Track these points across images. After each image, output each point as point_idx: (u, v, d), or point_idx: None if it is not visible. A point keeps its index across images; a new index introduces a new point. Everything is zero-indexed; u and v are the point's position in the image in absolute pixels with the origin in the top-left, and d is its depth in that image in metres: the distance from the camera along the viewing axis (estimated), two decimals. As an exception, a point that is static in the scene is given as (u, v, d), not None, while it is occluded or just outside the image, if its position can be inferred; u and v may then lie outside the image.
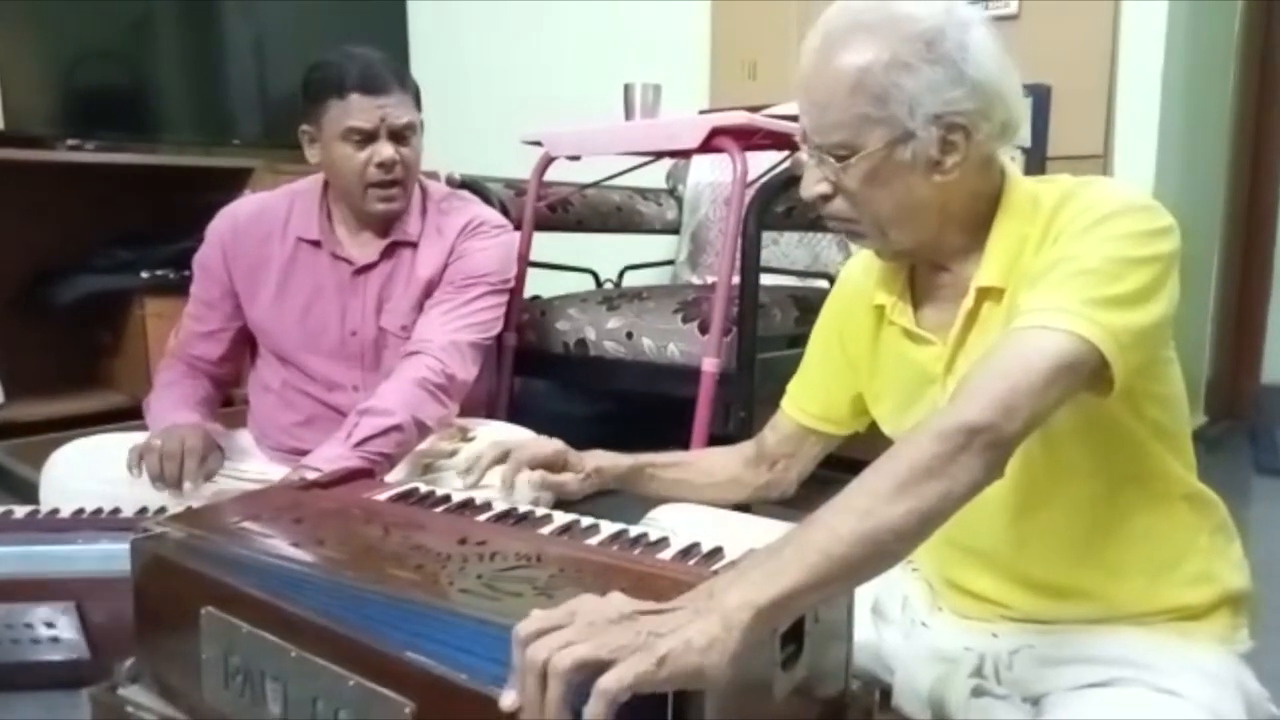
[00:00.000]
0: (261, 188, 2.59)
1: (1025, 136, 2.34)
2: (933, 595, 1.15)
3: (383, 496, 1.17)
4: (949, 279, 1.04)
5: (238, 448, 1.78)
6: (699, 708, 0.70)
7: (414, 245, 1.74)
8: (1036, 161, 2.32)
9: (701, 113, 2.71)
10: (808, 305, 2.11)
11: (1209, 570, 1.01)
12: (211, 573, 0.95)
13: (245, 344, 1.82)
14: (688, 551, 0.96)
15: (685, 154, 2.56)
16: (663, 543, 0.99)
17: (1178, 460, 1.01)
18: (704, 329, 1.95)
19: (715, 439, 1.67)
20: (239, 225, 1.76)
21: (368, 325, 1.73)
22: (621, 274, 2.89)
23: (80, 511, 1.48)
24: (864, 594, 1.02)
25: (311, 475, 1.31)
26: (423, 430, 1.62)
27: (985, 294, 1.00)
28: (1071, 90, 2.41)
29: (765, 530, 1.13)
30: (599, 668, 0.66)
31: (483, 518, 1.09)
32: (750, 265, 1.87)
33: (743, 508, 1.70)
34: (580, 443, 1.29)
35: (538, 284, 2.38)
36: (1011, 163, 1.03)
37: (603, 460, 1.26)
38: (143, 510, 1.49)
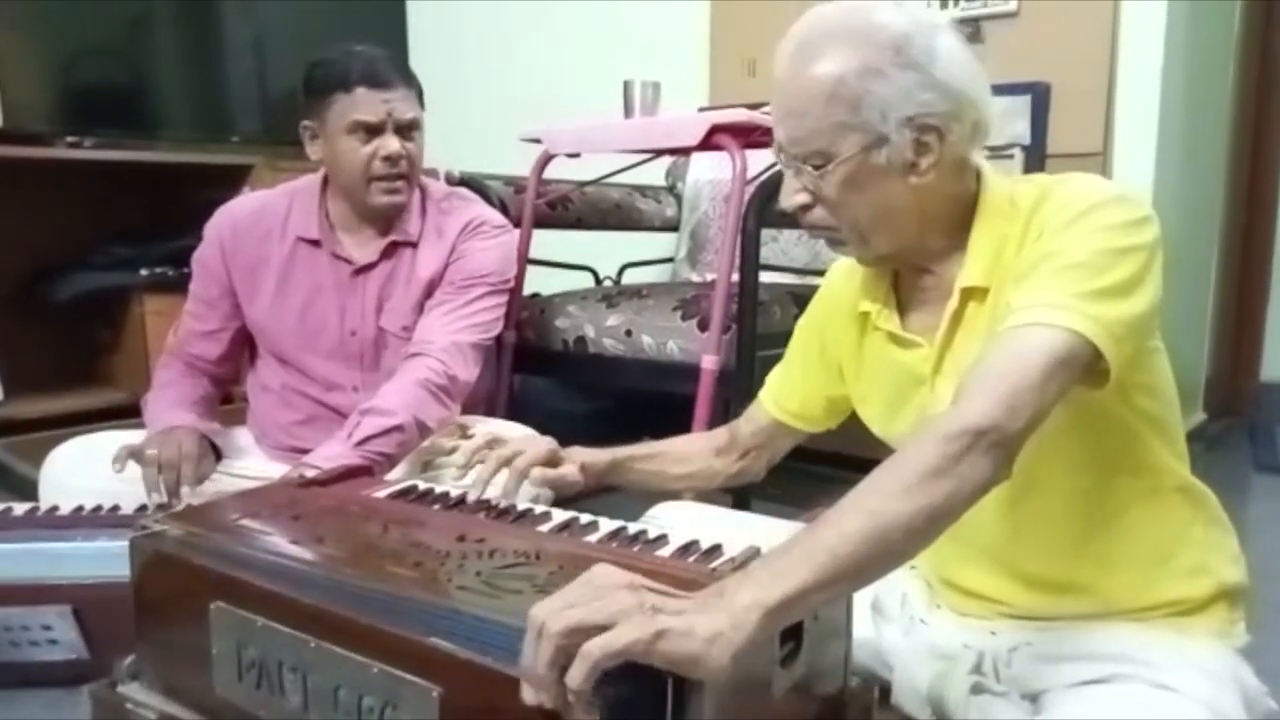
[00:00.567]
0: (261, 185, 2.59)
1: (1024, 134, 2.34)
2: (931, 593, 1.15)
3: (381, 494, 1.17)
4: (933, 281, 1.05)
5: (236, 446, 1.78)
6: (698, 704, 0.70)
7: (414, 245, 1.74)
8: (1036, 159, 2.31)
9: (701, 110, 2.71)
10: (807, 302, 2.10)
11: (1204, 563, 1.02)
12: (220, 568, 0.95)
13: (244, 343, 1.82)
14: (686, 548, 0.96)
15: (685, 151, 2.56)
16: (661, 540, 0.99)
17: (1170, 451, 1.02)
18: (703, 326, 1.95)
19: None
20: (238, 224, 1.76)
21: (367, 325, 1.73)
22: (621, 271, 2.89)
23: (79, 509, 1.48)
24: (863, 592, 1.02)
25: (311, 473, 1.31)
26: (424, 431, 1.62)
27: (970, 294, 1.00)
28: (1071, 88, 2.41)
29: (765, 528, 1.14)
30: (595, 633, 0.66)
31: (482, 515, 1.09)
32: (750, 263, 1.87)
33: (742, 505, 1.71)
34: (580, 441, 1.29)
35: (537, 281, 2.38)
36: (989, 163, 1.04)
37: (585, 457, 1.27)
38: (142, 508, 1.49)
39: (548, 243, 2.43)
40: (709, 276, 2.60)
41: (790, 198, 1.02)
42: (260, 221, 1.75)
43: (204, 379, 1.79)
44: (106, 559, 1.28)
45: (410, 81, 1.68)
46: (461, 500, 1.15)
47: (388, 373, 1.69)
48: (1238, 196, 3.35)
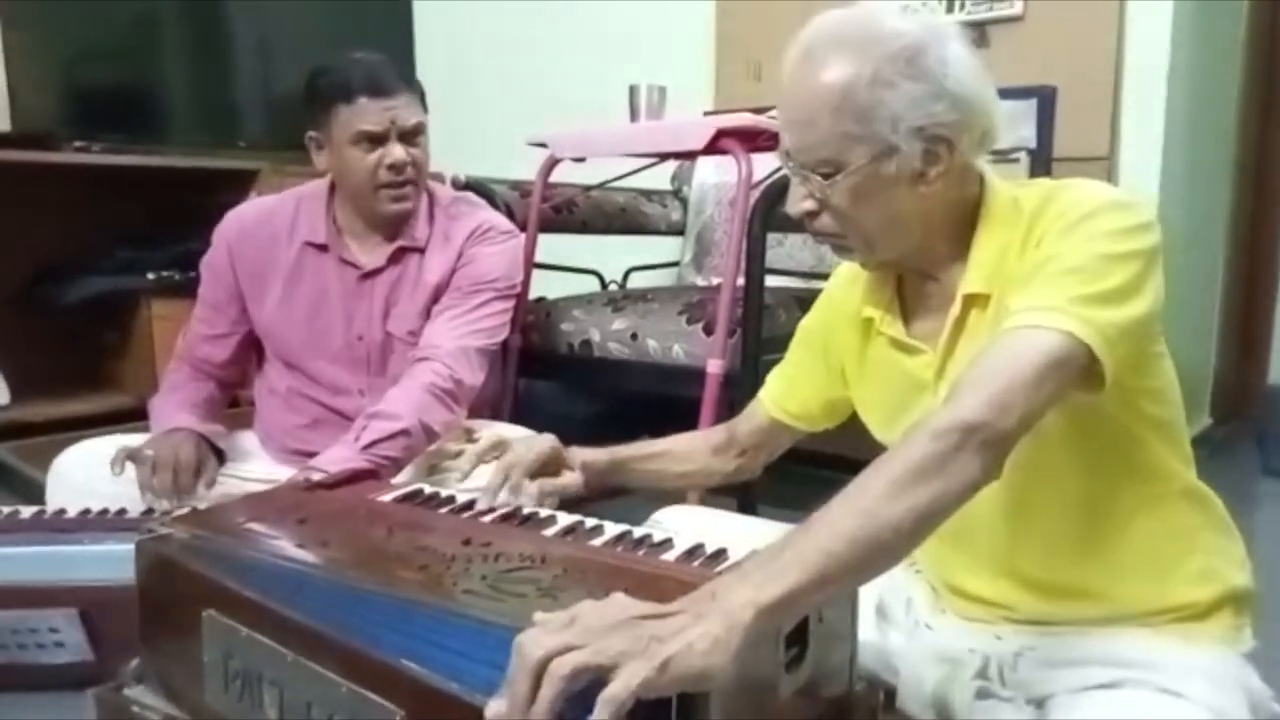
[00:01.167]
0: (267, 189, 2.60)
1: (1030, 138, 2.33)
2: (936, 597, 1.15)
3: (387, 497, 1.17)
4: (936, 288, 1.05)
5: (242, 449, 1.78)
6: (704, 708, 0.70)
7: (421, 251, 1.74)
8: (1041, 163, 2.31)
9: (706, 114, 2.70)
10: (812, 307, 2.11)
11: (1211, 568, 1.01)
12: (213, 575, 0.95)
13: (252, 347, 1.82)
14: (692, 553, 0.96)
15: (690, 155, 2.56)
16: (667, 544, 0.99)
17: (1175, 455, 1.02)
18: (709, 330, 1.95)
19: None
20: (245, 229, 1.77)
21: (374, 330, 1.73)
22: (626, 275, 2.89)
23: (86, 512, 1.48)
24: (868, 595, 1.03)
25: (317, 477, 1.31)
26: (430, 436, 1.62)
27: (972, 301, 1.00)
28: (1077, 91, 2.40)
29: (769, 532, 1.13)
30: (599, 674, 0.66)
31: (487, 519, 1.10)
32: (755, 266, 1.87)
33: (748, 508, 1.71)
34: (585, 445, 1.29)
35: (542, 285, 2.38)
36: (994, 168, 1.04)
37: (584, 457, 1.27)
38: (149, 511, 1.49)
39: (553, 246, 2.44)
40: (714, 280, 2.60)
41: (797, 204, 1.02)
42: (268, 226, 1.76)
43: (210, 382, 1.80)
44: (113, 562, 1.28)
45: (412, 86, 1.68)
46: (467, 504, 1.15)
47: (394, 377, 1.69)
48: (1244, 200, 3.34)
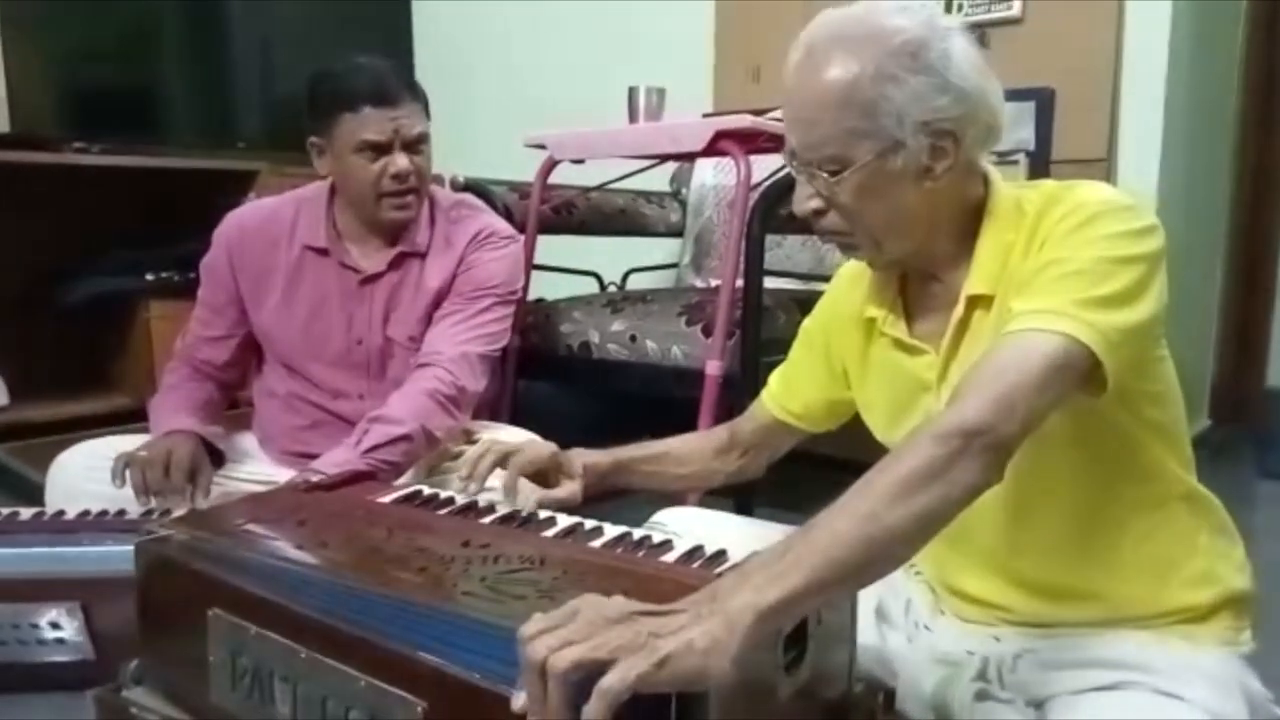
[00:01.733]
0: (266, 190, 2.60)
1: (1029, 140, 2.34)
2: (935, 599, 1.15)
3: (386, 499, 1.18)
4: (939, 288, 1.05)
5: (241, 450, 1.78)
6: (702, 710, 0.70)
7: (422, 256, 1.73)
8: (1040, 165, 2.32)
9: (705, 116, 2.71)
10: (811, 308, 2.11)
11: (1210, 571, 1.01)
12: (219, 574, 0.95)
13: (251, 349, 1.82)
14: (691, 554, 0.96)
15: (689, 157, 2.57)
16: (666, 545, 0.99)
17: (1175, 459, 1.02)
18: (707, 332, 1.95)
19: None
20: (246, 231, 1.76)
21: (374, 334, 1.73)
22: (625, 277, 2.89)
23: (86, 513, 1.48)
24: (867, 597, 1.03)
25: (316, 479, 1.31)
26: (432, 441, 1.62)
27: (975, 302, 1.00)
28: (1075, 93, 2.40)
29: (770, 534, 1.13)
30: (598, 667, 0.66)
31: (486, 520, 1.10)
32: (754, 268, 1.87)
33: (745, 509, 1.71)
34: (583, 446, 1.29)
35: (541, 287, 2.38)
36: (997, 169, 1.04)
37: (586, 459, 1.27)
38: (148, 512, 1.49)
39: (552, 248, 2.44)
40: (713, 282, 2.60)
41: (803, 203, 1.02)
42: (268, 229, 1.75)
43: (210, 383, 1.79)
44: (112, 563, 1.28)
45: (416, 94, 1.67)
46: (467, 506, 1.15)
47: (394, 382, 1.69)
48: (1243, 202, 3.34)
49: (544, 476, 1.24)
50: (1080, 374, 0.86)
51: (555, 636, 0.68)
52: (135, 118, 3.10)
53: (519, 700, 0.69)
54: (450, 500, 1.17)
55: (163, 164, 2.98)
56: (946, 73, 0.94)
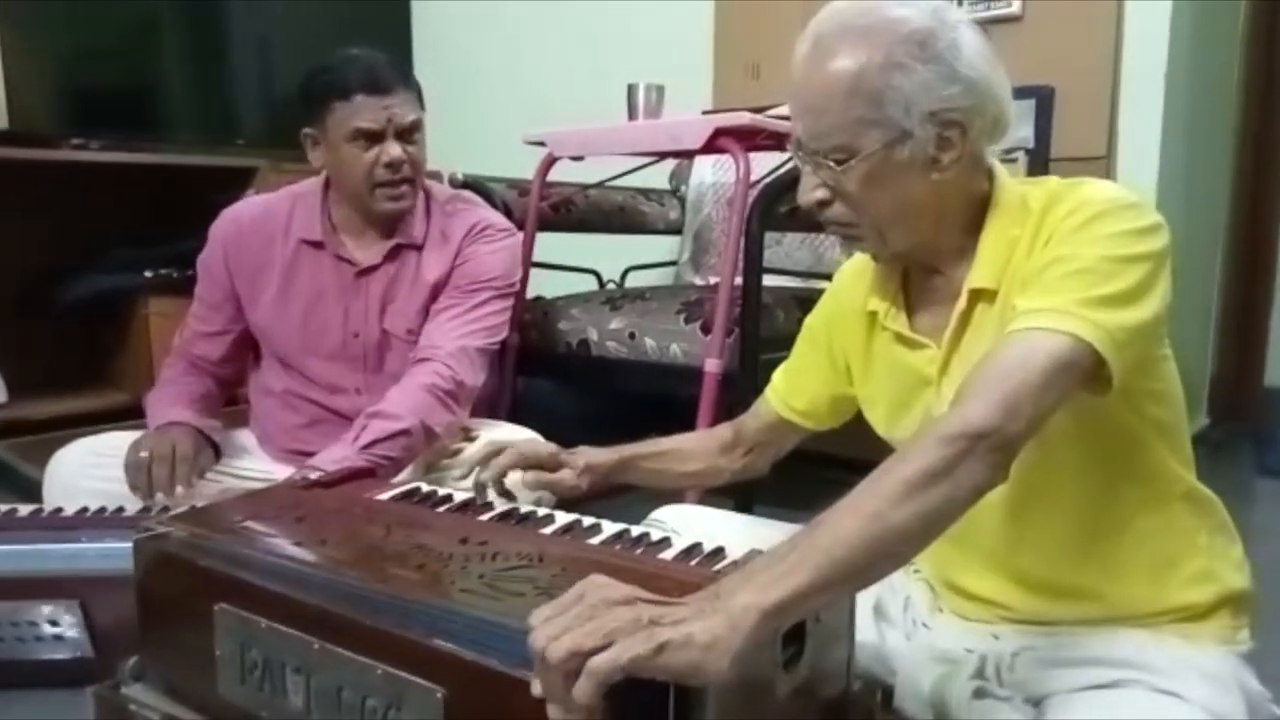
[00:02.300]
0: (265, 187, 2.60)
1: (1028, 138, 2.34)
2: (934, 597, 1.15)
3: (385, 496, 1.17)
4: (942, 282, 1.05)
5: (238, 445, 1.79)
6: (700, 706, 0.70)
7: (418, 248, 1.74)
8: (1040, 163, 2.32)
9: (705, 113, 2.71)
10: (810, 306, 2.09)
11: (1209, 569, 1.01)
12: (225, 569, 0.95)
13: (248, 346, 1.82)
14: (690, 552, 0.96)
15: (688, 154, 2.56)
16: (665, 543, 0.99)
17: (1176, 458, 1.02)
18: (706, 330, 1.95)
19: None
20: (241, 228, 1.76)
21: (371, 327, 1.73)
22: (624, 274, 2.89)
23: (84, 510, 1.48)
24: (866, 595, 1.02)
25: (315, 475, 1.31)
26: (430, 436, 1.62)
27: (978, 296, 1.00)
28: (1075, 92, 2.41)
29: (769, 531, 1.13)
30: (594, 653, 0.66)
31: (485, 518, 1.10)
32: (753, 266, 1.87)
33: (744, 507, 1.71)
34: (581, 443, 1.29)
35: (540, 284, 2.38)
36: (1001, 164, 1.04)
37: (591, 457, 1.27)
38: (146, 509, 1.49)
39: (551, 245, 2.44)
40: (712, 280, 2.60)
41: (808, 194, 1.01)
42: (263, 225, 1.75)
43: (207, 378, 1.80)
44: (111, 560, 1.28)
45: (409, 84, 1.67)
46: (465, 503, 1.15)
47: (391, 375, 1.69)
48: (1242, 200, 3.35)
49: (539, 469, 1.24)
50: (1085, 373, 0.86)
51: (554, 625, 0.68)
52: (134, 115, 3.09)
53: (539, 686, 0.69)
54: (449, 497, 1.17)
55: (162, 161, 2.97)
56: (955, 63, 0.93)
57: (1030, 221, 0.97)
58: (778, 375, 1.32)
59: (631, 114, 2.18)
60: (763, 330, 1.89)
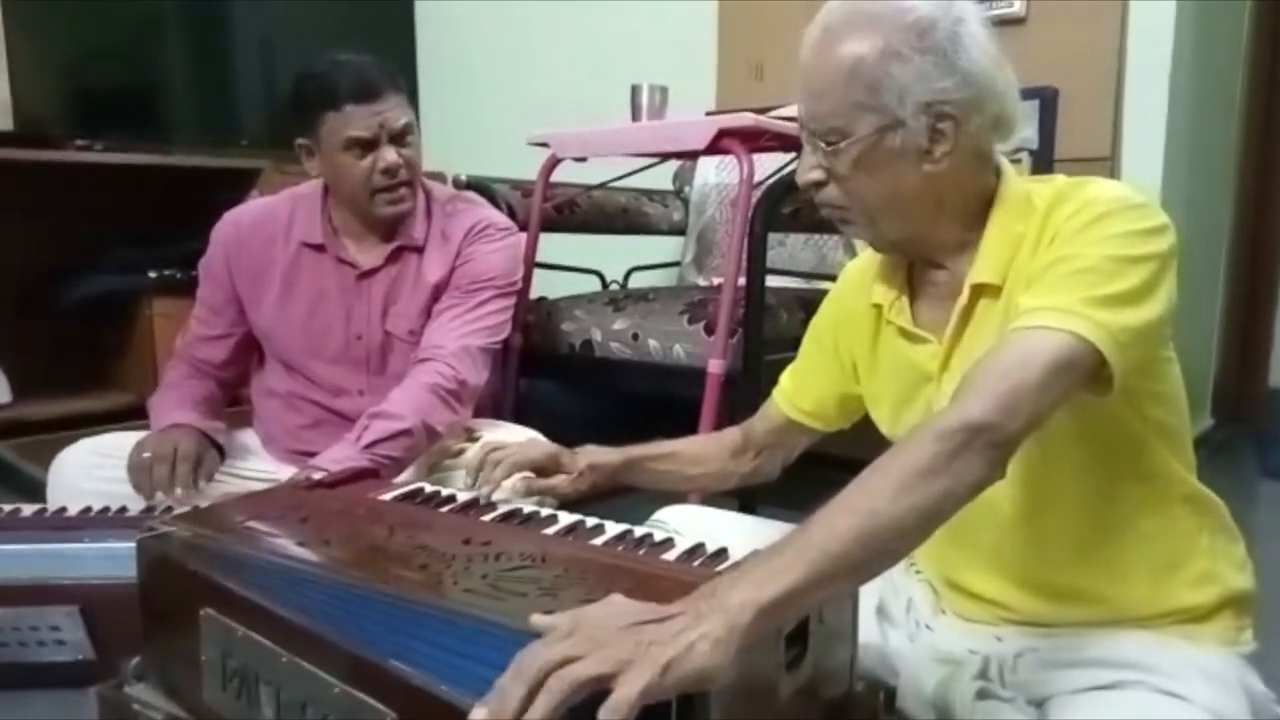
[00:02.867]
0: (269, 188, 2.60)
1: (1032, 139, 2.33)
2: (936, 598, 1.15)
3: (388, 496, 1.18)
4: (945, 276, 1.05)
5: (242, 447, 1.78)
6: (704, 708, 0.70)
7: (419, 249, 1.73)
8: (1044, 164, 2.31)
9: (708, 114, 2.71)
10: (814, 307, 2.09)
11: (1212, 571, 1.01)
12: (211, 574, 0.95)
13: (251, 348, 1.82)
14: (692, 552, 0.96)
15: (692, 155, 2.56)
16: (667, 544, 0.99)
17: (1178, 460, 1.01)
18: (710, 330, 1.95)
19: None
20: (241, 231, 1.76)
21: (373, 329, 1.73)
22: (627, 275, 2.89)
23: (87, 510, 1.48)
24: (868, 596, 1.03)
25: (318, 476, 1.31)
26: (433, 436, 1.62)
27: (981, 291, 1.00)
28: (1078, 93, 2.40)
29: (770, 531, 1.13)
30: (601, 683, 0.66)
31: (488, 518, 1.10)
32: (756, 267, 1.86)
33: (748, 508, 1.71)
34: (585, 445, 1.29)
35: (543, 285, 2.38)
36: (1008, 161, 1.04)
37: (596, 456, 1.27)
38: (149, 509, 1.49)
39: (554, 246, 2.44)
40: (715, 280, 2.59)
41: (805, 173, 1.03)
42: (264, 228, 1.75)
43: (210, 381, 1.79)
44: (114, 560, 1.28)
45: (398, 86, 1.66)
46: (468, 504, 1.15)
47: (394, 377, 1.69)
48: (1246, 201, 3.34)
49: (543, 474, 1.24)
50: (1086, 373, 0.86)
51: (555, 651, 0.67)
52: (138, 116, 3.10)
53: (479, 713, 0.66)
54: (452, 498, 1.17)
55: (165, 162, 2.98)
56: (954, 55, 0.94)
57: (1035, 219, 0.97)
58: (785, 377, 1.32)
59: (635, 115, 2.18)
60: (766, 331, 1.89)
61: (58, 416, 2.74)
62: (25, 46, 2.80)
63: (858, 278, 1.18)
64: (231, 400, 1.88)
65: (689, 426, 1.82)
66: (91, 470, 1.65)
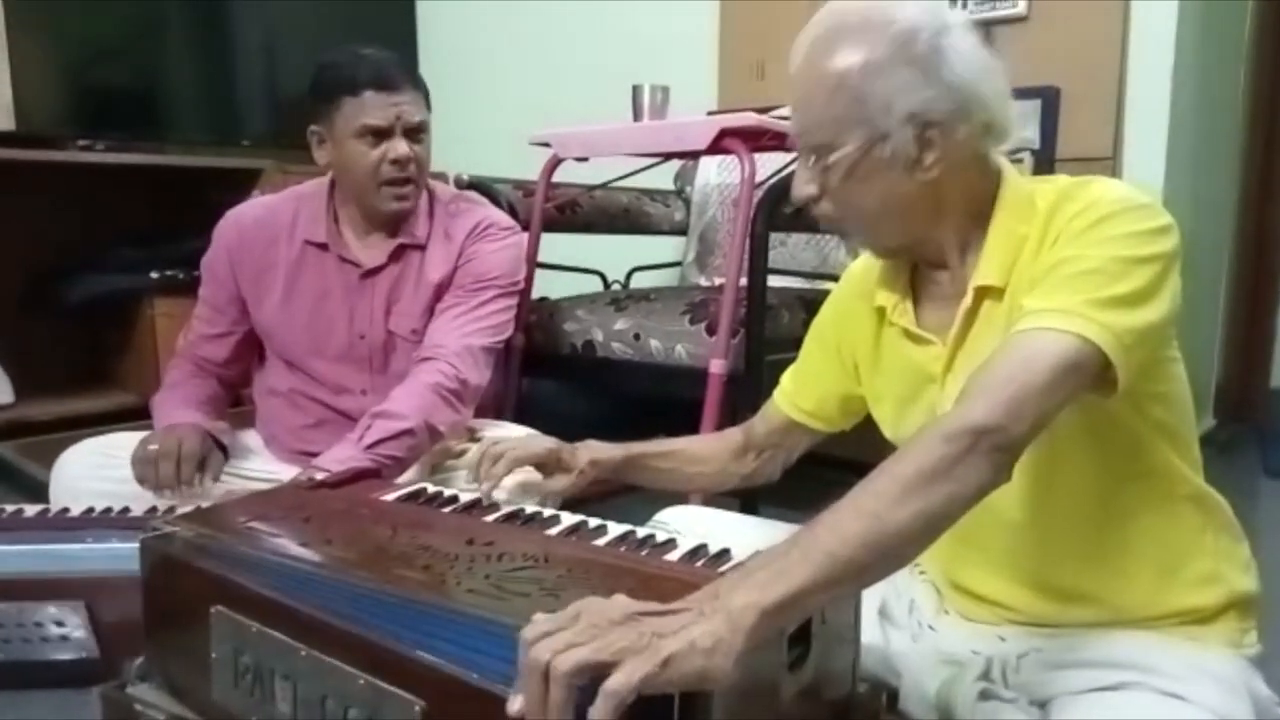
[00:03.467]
0: (271, 188, 2.60)
1: (1033, 138, 2.33)
2: (939, 599, 1.15)
3: (391, 497, 1.18)
4: (948, 278, 1.05)
5: (245, 446, 1.78)
6: (705, 709, 0.70)
7: (422, 248, 1.74)
8: (1045, 163, 2.31)
9: (710, 114, 2.71)
10: (815, 307, 2.08)
11: (1216, 571, 1.01)
12: (221, 572, 0.95)
13: (253, 347, 1.82)
14: (695, 553, 0.96)
15: (693, 155, 2.56)
16: (670, 544, 0.99)
17: (1183, 460, 1.01)
18: (711, 330, 1.95)
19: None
20: (244, 230, 1.76)
21: (376, 328, 1.73)
22: (629, 275, 2.89)
23: (90, 510, 1.48)
24: (871, 597, 1.03)
25: (321, 476, 1.31)
26: (435, 435, 1.62)
27: (984, 293, 1.00)
28: (1081, 92, 2.40)
29: (773, 532, 1.13)
30: (601, 670, 0.66)
31: (490, 518, 1.10)
32: (758, 267, 1.86)
33: (750, 509, 1.71)
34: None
35: (545, 285, 2.38)
36: (1008, 162, 1.04)
37: (597, 452, 1.27)
38: (153, 510, 1.49)
39: (556, 246, 2.44)
40: (717, 280, 2.59)
41: (801, 188, 1.03)
42: (267, 227, 1.76)
43: (212, 380, 1.80)
44: (118, 560, 1.28)
45: (417, 84, 1.68)
46: (471, 504, 1.15)
47: (396, 375, 1.69)
48: (1249, 201, 3.34)
49: (542, 471, 1.25)
50: (1091, 375, 0.86)
51: (558, 639, 0.67)
52: (140, 115, 3.10)
53: (515, 704, 0.68)
54: (454, 498, 1.17)
55: (167, 162, 2.98)
56: (937, 66, 0.94)
57: (1038, 220, 0.97)
58: (786, 377, 1.32)
59: (636, 115, 2.18)
60: (768, 331, 1.89)
61: (60, 417, 2.74)
62: (27, 46, 2.80)
63: (860, 278, 1.18)
64: (233, 400, 1.89)
65: (690, 427, 1.82)
66: (94, 470, 1.65)
